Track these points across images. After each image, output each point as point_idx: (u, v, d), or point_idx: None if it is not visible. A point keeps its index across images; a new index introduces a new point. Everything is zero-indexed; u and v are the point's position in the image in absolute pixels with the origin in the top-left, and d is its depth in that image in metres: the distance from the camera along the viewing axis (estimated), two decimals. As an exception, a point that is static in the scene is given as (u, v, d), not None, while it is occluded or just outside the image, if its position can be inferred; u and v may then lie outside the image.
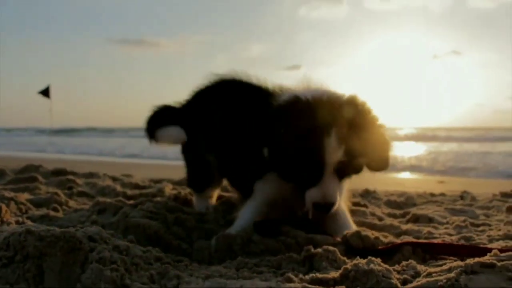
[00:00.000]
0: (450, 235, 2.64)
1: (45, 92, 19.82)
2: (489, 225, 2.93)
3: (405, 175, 9.45)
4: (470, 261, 1.60)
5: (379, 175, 2.51)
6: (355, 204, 3.58)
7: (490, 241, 2.43)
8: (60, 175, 4.91)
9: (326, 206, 2.23)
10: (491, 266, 1.56)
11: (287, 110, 2.28)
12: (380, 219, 3.17)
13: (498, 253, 1.68)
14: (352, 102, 2.32)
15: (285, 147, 2.23)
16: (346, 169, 2.27)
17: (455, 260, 1.96)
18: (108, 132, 43.32)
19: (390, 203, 4.00)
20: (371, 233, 2.35)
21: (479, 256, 1.65)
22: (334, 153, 2.14)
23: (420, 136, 30.94)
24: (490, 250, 1.72)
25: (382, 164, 2.41)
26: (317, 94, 2.31)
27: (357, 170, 2.39)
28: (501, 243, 2.33)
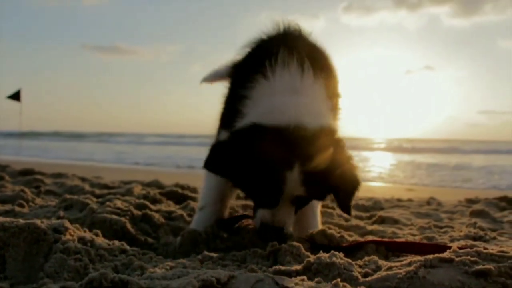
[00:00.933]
0: (414, 235, 2.70)
1: (16, 96, 19.67)
2: (452, 227, 3.00)
3: (376, 183, 9.56)
4: (429, 256, 1.64)
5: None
6: (323, 206, 3.61)
7: (452, 241, 2.49)
8: (27, 175, 4.83)
9: (273, 229, 2.12)
10: (449, 260, 1.61)
11: (251, 138, 2.05)
12: (347, 220, 3.21)
13: (457, 249, 1.73)
14: (324, 134, 2.08)
15: (246, 174, 2.08)
16: (304, 200, 2.19)
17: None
18: (79, 137, 42.72)
19: (357, 207, 4.05)
20: (336, 232, 2.39)
21: (440, 253, 1.69)
22: (294, 188, 2.02)
23: (392, 148, 31.45)
24: (450, 248, 1.77)
25: (347, 200, 2.22)
26: (287, 121, 2.04)
27: (319, 199, 2.34)
28: (462, 243, 2.39)
